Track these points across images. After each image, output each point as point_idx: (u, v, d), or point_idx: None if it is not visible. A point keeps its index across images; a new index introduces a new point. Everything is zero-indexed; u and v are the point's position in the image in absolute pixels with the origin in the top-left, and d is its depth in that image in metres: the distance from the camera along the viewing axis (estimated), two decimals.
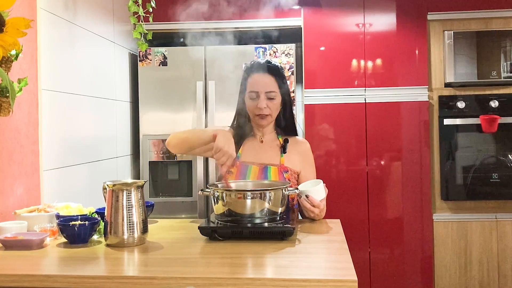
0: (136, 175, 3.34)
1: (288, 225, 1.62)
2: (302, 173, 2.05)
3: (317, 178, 2.00)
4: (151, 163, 3.26)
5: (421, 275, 3.19)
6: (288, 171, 2.00)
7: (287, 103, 2.08)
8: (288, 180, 1.98)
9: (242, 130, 2.08)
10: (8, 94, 1.60)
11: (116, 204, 1.56)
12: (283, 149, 2.03)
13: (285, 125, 2.09)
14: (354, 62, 3.24)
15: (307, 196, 1.81)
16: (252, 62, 2.08)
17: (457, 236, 3.20)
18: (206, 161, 3.20)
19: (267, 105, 1.99)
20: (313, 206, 1.80)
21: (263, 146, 2.06)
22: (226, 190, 1.69)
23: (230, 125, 2.14)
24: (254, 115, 2.02)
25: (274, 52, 3.22)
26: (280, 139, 2.07)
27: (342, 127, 3.24)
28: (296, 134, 2.13)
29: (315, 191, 1.83)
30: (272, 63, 2.06)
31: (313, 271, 1.29)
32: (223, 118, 3.09)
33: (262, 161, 2.01)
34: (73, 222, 1.61)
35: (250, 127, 2.09)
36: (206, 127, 3.21)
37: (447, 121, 3.19)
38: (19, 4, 1.96)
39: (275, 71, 2.02)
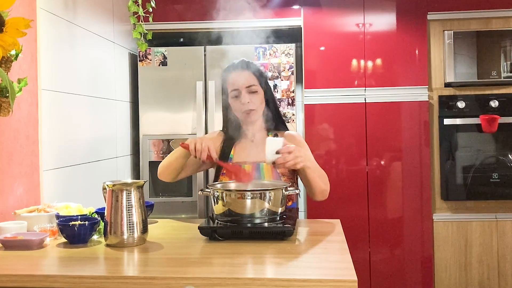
0: (136, 175, 3.34)
1: (288, 225, 1.62)
2: None
3: None
4: (151, 163, 3.26)
5: (421, 275, 3.19)
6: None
7: (270, 98, 2.09)
8: (282, 175, 1.98)
9: (232, 133, 2.10)
10: (8, 94, 1.60)
11: (116, 204, 1.56)
12: None
13: (272, 121, 2.10)
14: (354, 62, 3.24)
15: (277, 153, 1.75)
16: (228, 65, 2.12)
17: (457, 236, 3.20)
18: None
19: (250, 100, 2.01)
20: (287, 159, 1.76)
21: (254, 144, 2.07)
22: (226, 190, 1.69)
23: (221, 130, 2.17)
24: (240, 113, 2.04)
25: (274, 52, 3.22)
26: (271, 135, 2.08)
27: (342, 127, 3.24)
28: (286, 129, 2.13)
29: (269, 143, 1.76)
30: (248, 60, 2.10)
31: (313, 271, 1.29)
32: None
33: (254, 159, 2.02)
34: (73, 222, 1.61)
35: (240, 128, 2.10)
36: (206, 127, 3.21)
37: (447, 121, 3.19)
38: (19, 4, 1.96)
39: (251, 67, 2.06)
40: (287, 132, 2.13)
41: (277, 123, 2.11)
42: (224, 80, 2.09)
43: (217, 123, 3.15)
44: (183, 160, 1.99)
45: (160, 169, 2.07)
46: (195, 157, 1.85)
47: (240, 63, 2.08)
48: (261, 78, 2.06)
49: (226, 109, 2.12)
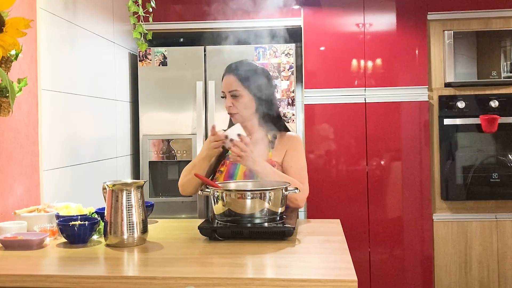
0: (136, 175, 3.34)
1: (288, 225, 1.62)
2: (283, 159, 2.04)
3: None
4: (151, 163, 3.26)
5: (421, 275, 3.19)
6: (275, 165, 2.00)
7: (263, 99, 2.06)
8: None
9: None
10: (8, 94, 1.60)
11: (116, 204, 1.56)
12: (272, 145, 2.05)
13: (271, 122, 2.08)
14: (354, 62, 3.24)
15: (231, 140, 1.87)
16: (228, 64, 2.13)
17: (457, 236, 3.20)
18: None
19: (233, 104, 2.03)
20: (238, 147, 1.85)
21: (251, 144, 2.06)
22: (226, 190, 1.69)
23: (225, 129, 2.17)
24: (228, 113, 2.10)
25: (274, 52, 3.22)
26: (269, 135, 2.08)
27: (342, 127, 3.24)
28: (286, 130, 2.13)
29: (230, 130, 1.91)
30: (246, 62, 2.09)
31: (313, 271, 1.29)
32: (223, 118, 3.09)
33: None
34: (73, 222, 1.61)
35: None
36: (206, 127, 3.21)
37: (447, 121, 3.19)
38: (19, 4, 1.96)
39: (236, 71, 2.05)
40: (288, 133, 2.12)
41: (276, 124, 2.10)
42: (222, 81, 2.12)
43: (217, 123, 3.13)
44: (205, 164, 2.03)
45: (181, 187, 2.11)
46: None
47: (229, 66, 2.09)
48: (248, 82, 2.03)
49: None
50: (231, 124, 2.14)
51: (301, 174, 2.00)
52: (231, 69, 2.08)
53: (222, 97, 2.09)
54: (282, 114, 3.12)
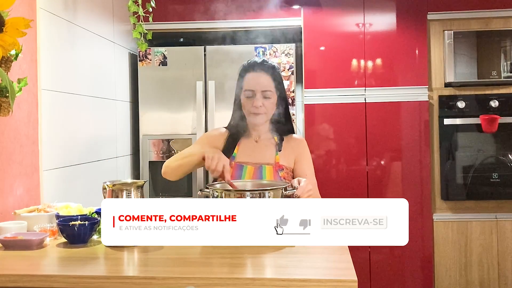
0: (136, 175, 3.34)
1: None
2: (295, 166, 2.03)
3: (316, 178, 2.00)
4: (151, 163, 3.26)
5: (421, 275, 3.19)
6: (283, 169, 1.99)
7: (283, 102, 2.07)
8: (284, 178, 1.97)
9: (237, 129, 2.07)
10: (7, 94, 1.60)
11: None
12: (278, 147, 2.03)
13: (281, 124, 2.07)
14: (354, 62, 3.24)
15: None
16: (249, 61, 2.08)
17: (457, 236, 3.19)
18: None
19: (263, 104, 1.98)
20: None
21: (258, 145, 2.05)
22: (226, 190, 1.69)
23: (226, 126, 2.13)
24: (249, 113, 2.01)
25: (274, 52, 3.22)
26: (276, 138, 2.07)
27: (342, 127, 3.23)
28: (292, 132, 2.12)
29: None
30: (269, 62, 2.08)
31: (313, 271, 1.29)
32: (223, 118, 3.09)
33: (257, 161, 2.00)
34: (73, 222, 1.61)
35: (246, 127, 2.07)
36: (206, 127, 3.21)
37: (447, 121, 3.19)
38: (19, 4, 1.96)
39: (271, 70, 2.03)
40: (294, 136, 2.11)
41: (285, 126, 2.08)
42: (241, 76, 2.05)
43: (217, 123, 3.15)
44: (195, 167, 1.99)
45: (167, 169, 2.03)
46: (207, 168, 1.84)
47: (261, 64, 2.04)
48: (278, 83, 2.03)
49: (237, 103, 2.08)
50: (234, 121, 2.09)
51: (314, 181, 2.00)
52: (262, 66, 2.03)
53: (248, 97, 2.00)
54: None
